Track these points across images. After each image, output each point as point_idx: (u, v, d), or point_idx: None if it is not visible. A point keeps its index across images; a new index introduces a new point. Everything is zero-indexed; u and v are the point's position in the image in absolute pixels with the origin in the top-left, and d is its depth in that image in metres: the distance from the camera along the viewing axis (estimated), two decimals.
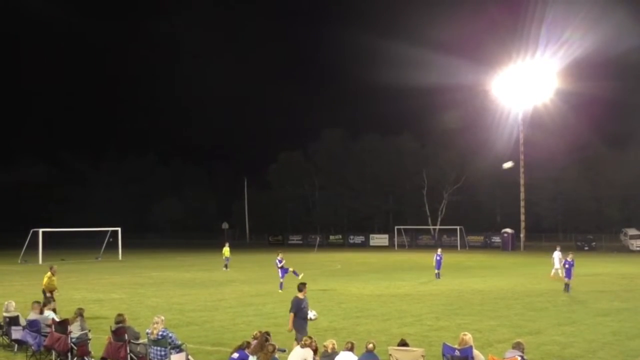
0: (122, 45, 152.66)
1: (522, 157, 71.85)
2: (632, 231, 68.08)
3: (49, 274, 22.83)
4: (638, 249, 64.06)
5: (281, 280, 30.16)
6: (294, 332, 14.67)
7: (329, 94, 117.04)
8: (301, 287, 15.29)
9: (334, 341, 12.40)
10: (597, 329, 18.92)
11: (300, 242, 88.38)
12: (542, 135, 77.66)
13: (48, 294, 22.22)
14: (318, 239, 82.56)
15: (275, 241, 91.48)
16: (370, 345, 11.77)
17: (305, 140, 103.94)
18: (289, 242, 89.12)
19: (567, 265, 28.50)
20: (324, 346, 12.29)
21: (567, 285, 28.07)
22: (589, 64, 70.30)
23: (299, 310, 14.77)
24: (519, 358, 10.95)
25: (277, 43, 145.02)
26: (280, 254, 31.38)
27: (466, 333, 11.76)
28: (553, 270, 34.63)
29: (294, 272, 30.18)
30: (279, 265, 30.50)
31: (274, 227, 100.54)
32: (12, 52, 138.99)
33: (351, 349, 11.80)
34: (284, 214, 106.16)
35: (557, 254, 35.02)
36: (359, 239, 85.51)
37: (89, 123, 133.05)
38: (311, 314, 15.09)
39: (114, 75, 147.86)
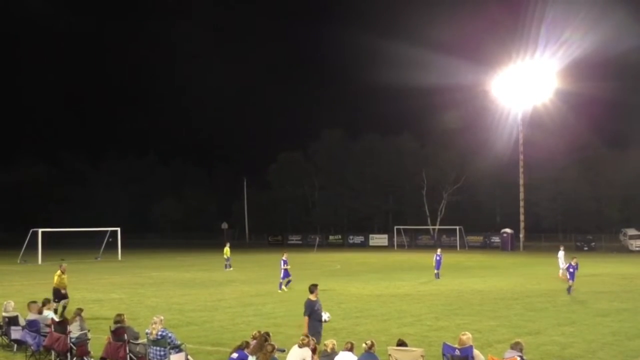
0: (122, 45, 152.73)
1: (521, 157, 71.86)
2: (631, 231, 68.11)
3: (58, 272, 22.83)
4: (637, 249, 64.06)
5: (281, 280, 30.17)
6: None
7: (329, 94, 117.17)
8: (312, 288, 15.07)
9: (334, 341, 12.41)
10: (597, 329, 18.92)
11: (300, 242, 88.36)
12: (541, 135, 77.74)
13: (63, 291, 22.41)
14: (317, 239, 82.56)
15: (274, 241, 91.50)
16: (364, 345, 11.74)
17: (305, 140, 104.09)
18: (289, 242, 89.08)
19: (571, 270, 28.41)
20: (324, 345, 12.31)
21: (569, 288, 27.99)
22: (589, 64, 70.43)
23: (312, 312, 14.58)
24: (518, 358, 10.95)
25: (277, 43, 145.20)
26: (285, 254, 31.39)
27: (465, 333, 11.75)
28: (560, 271, 34.58)
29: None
30: (284, 267, 30.46)
31: (273, 227, 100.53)
32: (12, 52, 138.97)
33: (351, 349, 11.80)
34: (283, 214, 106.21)
35: (561, 254, 35.00)
36: (358, 239, 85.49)
37: (89, 123, 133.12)
38: (325, 316, 15.00)
39: (114, 75, 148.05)
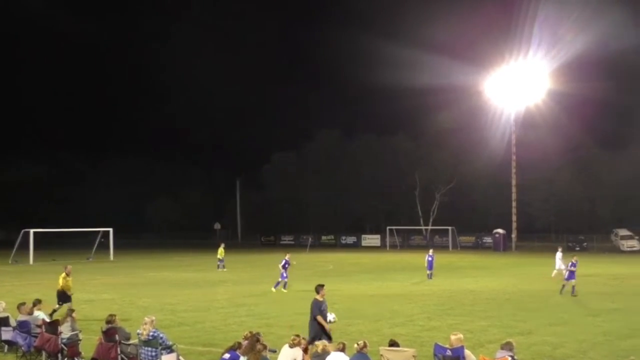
0: (122, 45, 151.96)
1: (514, 157, 72.06)
2: (623, 232, 68.44)
3: (63, 274, 22.77)
4: (629, 249, 64.36)
5: (285, 280, 30.28)
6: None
7: (324, 94, 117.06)
8: (319, 288, 15.01)
9: (325, 341, 12.41)
10: (588, 329, 18.99)
11: (293, 242, 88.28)
12: (534, 135, 77.93)
13: (69, 293, 22.36)
14: (310, 239, 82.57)
15: (267, 241, 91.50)
16: (356, 346, 11.74)
17: (300, 140, 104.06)
18: (281, 242, 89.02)
19: (573, 268, 28.38)
20: (315, 346, 12.30)
21: (564, 287, 27.84)
22: (581, 65, 70.67)
23: (319, 313, 14.49)
24: (509, 358, 10.98)
25: (274, 43, 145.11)
26: (288, 255, 31.50)
27: (456, 333, 11.78)
28: (554, 272, 34.53)
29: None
30: (285, 266, 30.55)
31: (266, 227, 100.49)
32: (11, 52, 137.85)
33: (342, 350, 11.79)
34: (276, 214, 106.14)
35: (559, 255, 34.99)
36: (351, 239, 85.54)
37: (87, 123, 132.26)
38: (330, 317, 14.93)
39: (112, 75, 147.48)
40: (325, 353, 11.81)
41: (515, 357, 11.27)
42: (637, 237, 66.86)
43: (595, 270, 41.31)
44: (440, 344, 11.89)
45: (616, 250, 65.29)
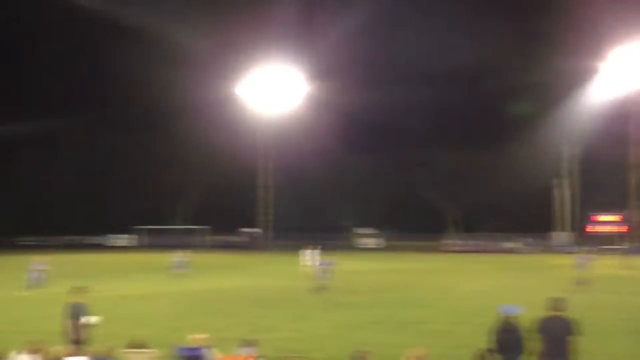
0: None
1: (266, 160, 73.97)
2: (361, 230, 73.87)
3: None
4: (366, 246, 69.63)
5: (31, 282, 29.36)
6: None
7: (75, 89, 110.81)
8: (78, 290, 14.46)
9: (64, 347, 11.90)
10: (327, 323, 20.19)
11: (34, 243, 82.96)
12: (287, 138, 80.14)
13: None
14: (54, 239, 78.47)
15: (6, 242, 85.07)
16: (100, 349, 11.43)
17: (47, 137, 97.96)
18: (21, 243, 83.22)
19: (329, 266, 29.60)
20: (54, 351, 11.71)
21: (319, 287, 28.70)
22: (338, 71, 74.16)
23: (78, 316, 13.90)
24: (248, 355, 11.31)
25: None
26: (42, 260, 31.27)
27: (198, 333, 11.91)
28: (306, 268, 35.67)
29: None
30: (36, 269, 30.07)
31: (5, 228, 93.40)
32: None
33: (85, 354, 11.39)
34: (18, 214, 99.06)
35: (309, 252, 36.27)
36: (97, 239, 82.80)
37: None
38: (89, 319, 14.23)
39: None
40: (61, 358, 11.29)
41: (258, 354, 11.63)
42: (380, 236, 72.65)
43: (337, 267, 43.74)
44: (180, 344, 11.94)
45: (355, 249, 70.15)
